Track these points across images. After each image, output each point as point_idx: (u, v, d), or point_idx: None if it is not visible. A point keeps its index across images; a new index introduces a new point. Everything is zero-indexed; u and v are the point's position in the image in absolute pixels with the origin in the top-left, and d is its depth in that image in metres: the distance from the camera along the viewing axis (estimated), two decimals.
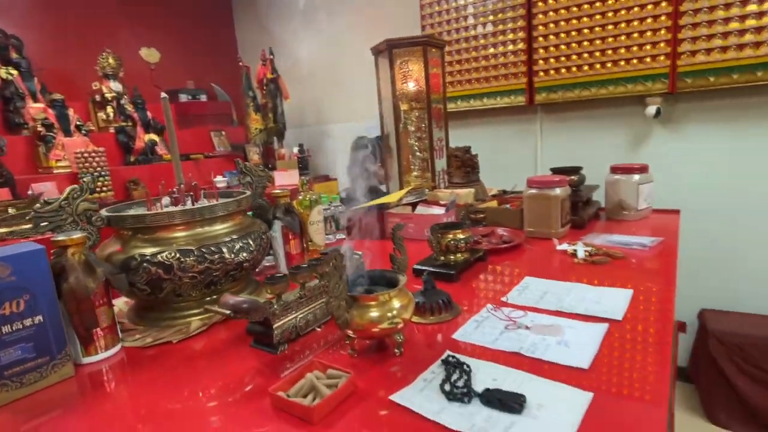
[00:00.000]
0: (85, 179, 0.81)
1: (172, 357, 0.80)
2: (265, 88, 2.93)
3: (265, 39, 3.43)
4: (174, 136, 0.91)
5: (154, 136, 2.46)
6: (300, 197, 1.24)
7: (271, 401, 0.62)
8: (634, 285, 0.97)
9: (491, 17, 2.55)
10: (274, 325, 0.75)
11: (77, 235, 0.71)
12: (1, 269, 0.61)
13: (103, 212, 0.83)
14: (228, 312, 0.72)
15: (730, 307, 2.21)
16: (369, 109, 3.13)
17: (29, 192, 1.78)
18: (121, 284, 0.78)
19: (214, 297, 0.93)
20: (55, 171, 2.05)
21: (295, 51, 3.42)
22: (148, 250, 0.81)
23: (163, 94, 0.91)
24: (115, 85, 2.44)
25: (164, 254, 0.81)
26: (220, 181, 2.50)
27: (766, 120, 1.98)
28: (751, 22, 1.90)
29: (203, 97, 3.10)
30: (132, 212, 0.87)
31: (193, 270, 0.83)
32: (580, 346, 0.73)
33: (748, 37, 1.91)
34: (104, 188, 1.98)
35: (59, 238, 0.70)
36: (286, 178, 2.71)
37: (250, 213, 1.11)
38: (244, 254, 0.91)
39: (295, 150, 3.16)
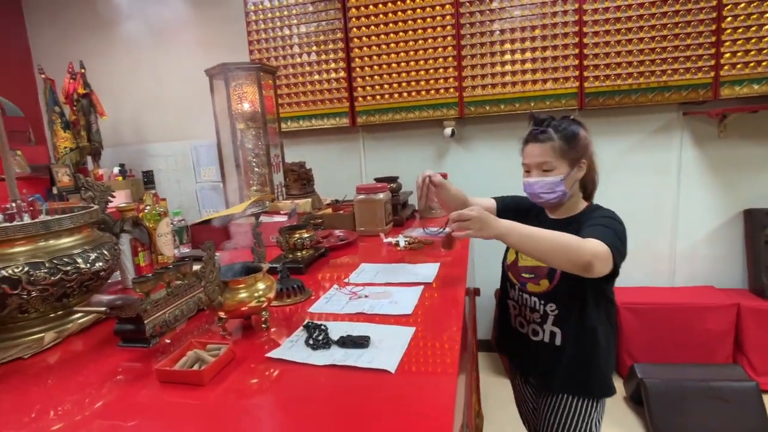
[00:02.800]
0: None
1: (27, 373, 0.79)
2: (75, 104, 2.65)
3: (70, 49, 3.09)
4: (6, 151, 0.87)
5: None
6: (147, 210, 1.26)
7: (158, 375, 0.70)
8: (440, 260, 1.29)
9: (315, 48, 2.83)
10: (146, 320, 0.81)
11: None
12: None
13: None
14: (103, 309, 0.76)
15: None
16: (196, 128, 3.10)
17: None
18: None
19: (61, 312, 0.92)
20: None
21: (108, 65, 3.16)
22: None
23: None
24: None
25: (10, 269, 0.79)
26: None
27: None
28: (508, 68, 2.57)
29: None
30: None
31: (45, 282, 0.82)
32: (405, 302, 0.99)
33: (508, 78, 2.58)
34: None
35: None
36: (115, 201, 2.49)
37: None
38: (100, 264, 0.92)
39: (116, 170, 2.92)
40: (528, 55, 2.53)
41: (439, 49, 2.65)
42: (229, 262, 0.97)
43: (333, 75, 2.83)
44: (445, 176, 2.02)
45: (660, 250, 2.66)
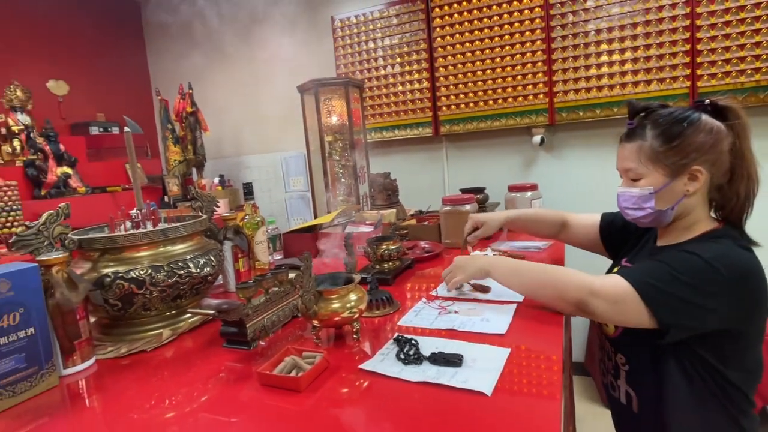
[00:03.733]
0: (60, 205, 0.86)
1: (149, 365, 0.87)
2: (184, 121, 2.94)
3: (181, 72, 3.45)
4: (135, 166, 0.98)
5: (67, 169, 2.35)
6: (246, 219, 1.35)
7: (259, 379, 0.74)
8: None
9: (398, 59, 2.87)
10: (248, 325, 0.86)
11: (61, 254, 0.77)
12: (3, 285, 0.66)
13: (72, 235, 0.89)
14: (212, 312, 0.81)
15: None
16: (286, 141, 3.29)
17: None
18: (97, 299, 0.84)
19: (174, 311, 1.01)
20: None
21: (212, 85, 3.48)
22: (120, 268, 0.88)
23: (127, 129, 0.98)
24: (23, 118, 2.31)
25: (137, 271, 0.88)
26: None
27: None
28: (604, 69, 2.40)
29: (116, 130, 3.02)
30: (101, 235, 0.93)
31: (163, 284, 0.91)
32: (498, 320, 0.94)
33: (604, 81, 2.41)
34: (15, 222, 1.87)
35: (44, 257, 0.75)
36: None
37: None
38: (208, 269, 1.00)
39: (216, 180, 3.18)
40: (628, 54, 2.35)
41: (528, 54, 2.55)
42: (318, 272, 1.00)
43: (416, 86, 2.85)
44: (534, 187, 1.93)
45: None
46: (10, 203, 1.87)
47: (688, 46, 2.22)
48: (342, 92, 2.11)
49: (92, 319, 1.00)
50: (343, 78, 2.19)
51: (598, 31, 2.39)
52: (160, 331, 0.95)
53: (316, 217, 2.30)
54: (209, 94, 3.43)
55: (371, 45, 2.93)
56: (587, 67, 2.44)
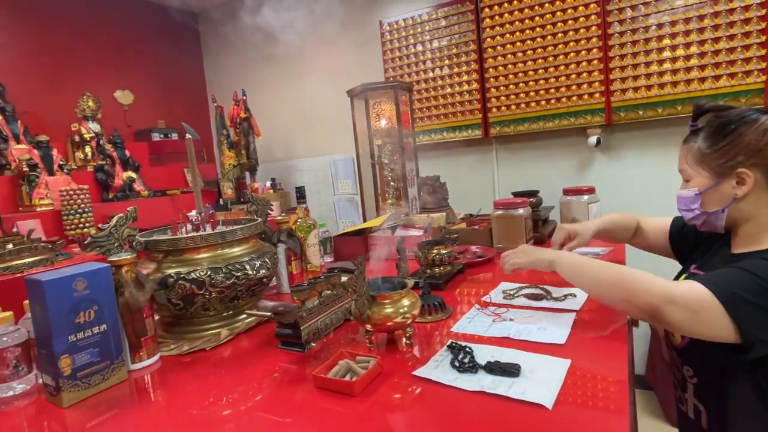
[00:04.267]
0: (129, 208, 0.91)
1: (207, 362, 0.90)
2: (238, 126, 3.07)
3: (235, 79, 3.60)
4: (196, 171, 1.03)
5: (132, 174, 2.52)
6: (299, 222, 1.37)
7: (314, 381, 0.74)
8: None
9: (447, 61, 2.84)
10: (302, 327, 0.87)
11: (130, 255, 0.82)
12: (80, 283, 0.71)
13: (139, 237, 0.94)
14: (269, 314, 0.83)
15: None
16: (335, 145, 3.34)
17: (13, 229, 1.80)
18: (161, 298, 0.88)
19: (231, 312, 1.04)
20: (37, 209, 2.08)
21: (264, 91, 3.60)
22: (182, 269, 0.92)
23: (188, 136, 1.03)
24: (94, 126, 2.50)
25: (198, 272, 0.92)
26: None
27: None
28: (667, 65, 2.27)
29: (175, 136, 3.19)
30: (165, 237, 0.97)
31: (222, 285, 0.94)
32: (555, 329, 0.90)
33: (667, 78, 2.27)
34: (87, 224, 2.02)
35: (115, 258, 0.80)
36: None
37: None
38: (263, 271, 1.03)
39: (268, 184, 3.29)
40: (693, 49, 2.20)
41: (583, 52, 2.45)
42: (369, 275, 0.99)
43: (465, 87, 2.81)
44: (591, 190, 1.84)
45: None
46: (82, 206, 2.02)
47: (763, 38, 2.05)
48: (391, 95, 2.11)
49: (155, 318, 1.05)
50: (392, 81, 2.20)
51: (660, 25, 2.26)
52: (219, 330, 0.98)
53: (364, 220, 2.32)
54: (261, 100, 3.56)
55: (420, 48, 2.93)
56: (648, 64, 2.31)
